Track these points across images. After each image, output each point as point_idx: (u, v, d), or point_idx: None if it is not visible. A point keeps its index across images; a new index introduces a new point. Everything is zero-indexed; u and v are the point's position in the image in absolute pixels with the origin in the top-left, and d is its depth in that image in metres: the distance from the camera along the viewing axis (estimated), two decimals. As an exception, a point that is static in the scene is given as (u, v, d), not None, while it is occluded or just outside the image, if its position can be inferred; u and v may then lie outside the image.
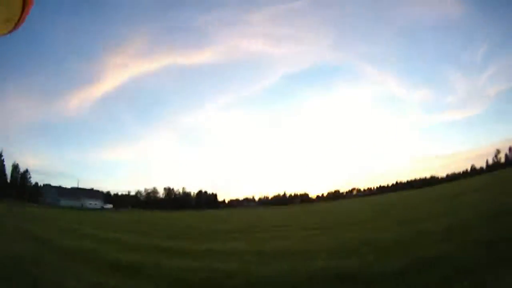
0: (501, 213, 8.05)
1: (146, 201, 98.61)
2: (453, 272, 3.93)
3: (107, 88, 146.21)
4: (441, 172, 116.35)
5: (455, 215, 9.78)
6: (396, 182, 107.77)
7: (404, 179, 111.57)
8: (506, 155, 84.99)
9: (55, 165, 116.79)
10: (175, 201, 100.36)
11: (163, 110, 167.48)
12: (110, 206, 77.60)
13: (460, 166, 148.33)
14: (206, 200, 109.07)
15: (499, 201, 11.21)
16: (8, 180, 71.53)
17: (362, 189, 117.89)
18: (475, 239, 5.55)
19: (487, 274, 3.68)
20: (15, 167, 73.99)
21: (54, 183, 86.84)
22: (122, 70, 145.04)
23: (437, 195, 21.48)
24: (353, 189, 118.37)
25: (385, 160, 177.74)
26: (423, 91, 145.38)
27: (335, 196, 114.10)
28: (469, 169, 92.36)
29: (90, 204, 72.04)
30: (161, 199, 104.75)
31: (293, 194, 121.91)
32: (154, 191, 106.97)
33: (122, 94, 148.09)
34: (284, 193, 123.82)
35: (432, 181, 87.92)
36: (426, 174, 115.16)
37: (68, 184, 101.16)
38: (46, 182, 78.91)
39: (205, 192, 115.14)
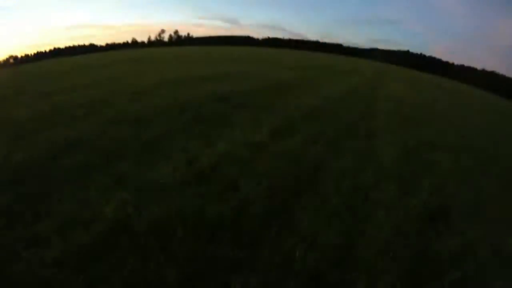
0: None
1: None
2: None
3: None
4: (102, 41, 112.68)
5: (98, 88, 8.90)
6: (54, 48, 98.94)
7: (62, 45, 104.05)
8: (170, 35, 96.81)
9: None
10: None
11: None
12: None
13: (123, 37, 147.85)
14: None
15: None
16: None
17: (19, 56, 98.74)
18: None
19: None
20: None
21: None
22: None
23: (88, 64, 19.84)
24: (10, 56, 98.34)
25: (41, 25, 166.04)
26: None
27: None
28: (130, 41, 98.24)
29: None
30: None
31: None
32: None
33: None
34: None
35: (91, 49, 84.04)
36: (87, 41, 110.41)
37: None
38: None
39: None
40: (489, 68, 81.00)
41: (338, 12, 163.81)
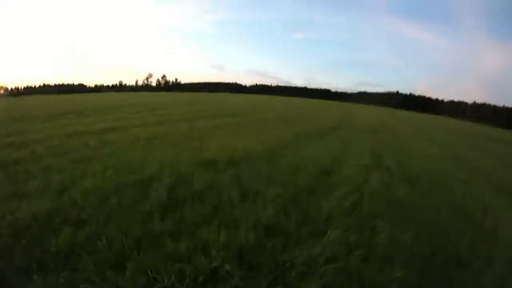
0: None
1: None
2: None
3: None
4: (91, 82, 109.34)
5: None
6: (44, 85, 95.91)
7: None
8: (158, 80, 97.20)
9: None
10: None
11: None
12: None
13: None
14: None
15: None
16: None
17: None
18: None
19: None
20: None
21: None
22: None
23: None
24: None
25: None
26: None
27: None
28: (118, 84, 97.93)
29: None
30: None
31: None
32: None
33: None
34: None
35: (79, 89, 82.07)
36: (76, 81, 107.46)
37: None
38: None
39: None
40: (478, 100, 79.97)
41: (320, 57, 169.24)
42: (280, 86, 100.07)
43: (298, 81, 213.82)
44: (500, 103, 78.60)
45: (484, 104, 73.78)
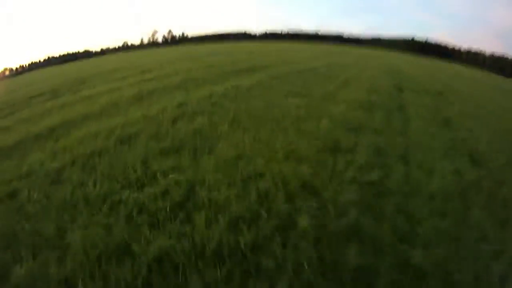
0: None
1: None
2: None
3: None
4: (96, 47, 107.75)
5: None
6: (48, 58, 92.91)
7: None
8: (164, 36, 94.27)
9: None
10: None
11: None
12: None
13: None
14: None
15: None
16: None
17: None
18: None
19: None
20: None
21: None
22: None
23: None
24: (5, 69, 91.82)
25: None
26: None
27: None
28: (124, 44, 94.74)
29: None
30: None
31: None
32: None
33: None
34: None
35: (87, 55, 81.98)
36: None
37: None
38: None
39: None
40: (496, 52, 76.66)
41: (330, 3, 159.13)
42: (290, 34, 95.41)
43: (308, 27, 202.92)
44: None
45: (503, 56, 70.86)
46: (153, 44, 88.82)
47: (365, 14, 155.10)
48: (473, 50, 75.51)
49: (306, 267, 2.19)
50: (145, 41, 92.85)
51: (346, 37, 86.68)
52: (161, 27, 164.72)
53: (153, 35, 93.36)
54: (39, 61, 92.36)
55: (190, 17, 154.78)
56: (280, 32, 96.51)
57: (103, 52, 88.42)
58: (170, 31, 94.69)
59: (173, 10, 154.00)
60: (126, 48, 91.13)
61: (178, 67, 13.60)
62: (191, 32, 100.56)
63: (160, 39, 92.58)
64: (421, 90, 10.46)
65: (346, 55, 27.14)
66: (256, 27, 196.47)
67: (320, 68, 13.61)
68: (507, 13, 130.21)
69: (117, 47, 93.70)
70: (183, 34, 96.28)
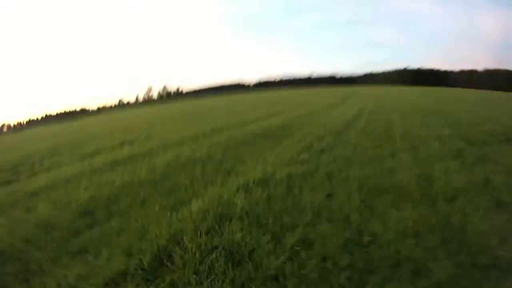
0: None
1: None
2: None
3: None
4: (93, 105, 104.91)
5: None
6: (46, 115, 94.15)
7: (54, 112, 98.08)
8: (159, 92, 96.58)
9: None
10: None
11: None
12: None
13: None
14: None
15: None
16: None
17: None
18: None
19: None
20: None
21: None
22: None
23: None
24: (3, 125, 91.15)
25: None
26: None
27: None
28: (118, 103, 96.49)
29: None
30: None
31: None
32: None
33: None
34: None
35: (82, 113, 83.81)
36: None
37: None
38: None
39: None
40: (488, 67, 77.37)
41: (317, 43, 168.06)
42: (283, 80, 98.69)
43: (301, 71, 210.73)
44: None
45: (497, 69, 71.54)
46: (148, 100, 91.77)
47: (355, 50, 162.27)
48: (466, 70, 76.63)
49: None
50: (140, 98, 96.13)
51: (339, 77, 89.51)
52: (156, 81, 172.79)
53: (148, 91, 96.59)
54: (37, 119, 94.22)
55: (184, 68, 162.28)
56: (273, 80, 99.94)
57: (99, 110, 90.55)
58: (165, 87, 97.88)
59: (167, 62, 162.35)
60: (121, 106, 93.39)
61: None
62: (185, 86, 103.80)
63: (155, 95, 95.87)
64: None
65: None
66: (250, 74, 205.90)
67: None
68: (493, 26, 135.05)
69: (113, 105, 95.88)
70: (177, 89, 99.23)
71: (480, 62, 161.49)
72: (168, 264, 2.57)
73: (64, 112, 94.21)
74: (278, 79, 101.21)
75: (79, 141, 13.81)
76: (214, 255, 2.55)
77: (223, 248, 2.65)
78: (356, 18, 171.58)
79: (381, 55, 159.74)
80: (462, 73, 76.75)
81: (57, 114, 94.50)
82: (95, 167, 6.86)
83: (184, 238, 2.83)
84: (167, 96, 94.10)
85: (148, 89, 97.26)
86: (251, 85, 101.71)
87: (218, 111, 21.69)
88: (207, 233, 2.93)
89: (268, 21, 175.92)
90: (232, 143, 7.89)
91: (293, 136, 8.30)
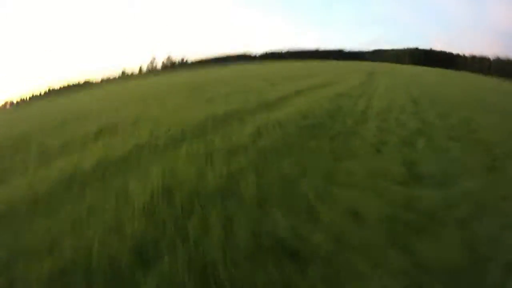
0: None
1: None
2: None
3: None
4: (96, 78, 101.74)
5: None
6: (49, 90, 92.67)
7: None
8: (163, 62, 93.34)
9: None
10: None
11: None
12: None
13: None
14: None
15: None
16: None
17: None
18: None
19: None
20: None
21: None
22: None
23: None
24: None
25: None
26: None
27: None
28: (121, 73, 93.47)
29: None
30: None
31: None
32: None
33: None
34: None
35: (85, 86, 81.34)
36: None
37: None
38: None
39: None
40: (501, 56, 75.34)
41: (328, 17, 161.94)
42: (291, 52, 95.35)
43: (308, 43, 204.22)
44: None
45: (508, 59, 69.82)
46: (152, 71, 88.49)
47: (364, 27, 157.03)
48: (478, 56, 74.75)
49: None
50: (144, 68, 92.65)
51: (347, 51, 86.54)
52: (160, 51, 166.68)
53: (152, 62, 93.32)
54: (40, 94, 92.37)
55: (189, 38, 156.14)
56: (280, 52, 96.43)
57: (103, 82, 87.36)
58: (169, 57, 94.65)
59: (171, 32, 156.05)
60: (125, 77, 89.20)
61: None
62: (190, 56, 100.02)
63: (159, 65, 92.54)
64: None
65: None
66: (256, 45, 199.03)
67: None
68: (505, 14, 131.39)
69: (116, 76, 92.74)
70: (182, 59, 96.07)
71: (488, 50, 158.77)
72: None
73: (68, 85, 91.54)
74: (285, 51, 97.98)
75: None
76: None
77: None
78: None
79: (389, 34, 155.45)
80: (474, 58, 74.88)
81: (60, 88, 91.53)
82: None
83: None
84: (171, 66, 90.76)
85: (152, 59, 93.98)
86: (257, 56, 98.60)
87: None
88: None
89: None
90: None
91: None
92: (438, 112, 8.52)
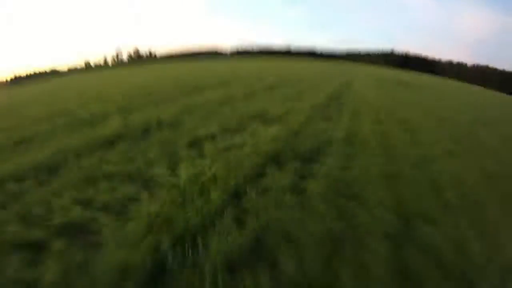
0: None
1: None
2: None
3: None
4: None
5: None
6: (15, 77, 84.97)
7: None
8: (129, 54, 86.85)
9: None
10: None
11: None
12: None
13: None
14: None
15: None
16: None
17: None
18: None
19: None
20: None
21: None
22: None
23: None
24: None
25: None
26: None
27: None
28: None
29: None
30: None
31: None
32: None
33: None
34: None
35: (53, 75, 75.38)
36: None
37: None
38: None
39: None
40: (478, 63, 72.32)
41: (297, 17, 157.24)
42: (261, 51, 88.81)
43: (276, 42, 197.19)
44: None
45: (487, 66, 66.44)
46: (118, 63, 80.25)
47: (333, 27, 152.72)
48: (454, 62, 71.06)
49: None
50: (109, 60, 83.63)
51: (320, 52, 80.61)
52: (126, 44, 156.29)
53: (117, 54, 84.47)
54: (6, 80, 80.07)
55: (156, 33, 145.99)
56: (251, 49, 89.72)
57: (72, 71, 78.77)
58: (136, 49, 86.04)
59: (139, 26, 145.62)
60: (89, 68, 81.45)
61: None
62: (159, 50, 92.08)
63: (125, 58, 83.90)
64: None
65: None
66: (224, 43, 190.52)
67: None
68: (474, 22, 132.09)
69: (80, 67, 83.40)
70: (150, 53, 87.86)
71: (458, 57, 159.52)
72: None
73: (34, 73, 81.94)
74: (256, 49, 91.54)
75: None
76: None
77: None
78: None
79: (358, 35, 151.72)
80: (451, 64, 71.12)
81: (27, 75, 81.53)
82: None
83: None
84: (138, 59, 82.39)
85: (117, 51, 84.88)
86: (228, 53, 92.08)
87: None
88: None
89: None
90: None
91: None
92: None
